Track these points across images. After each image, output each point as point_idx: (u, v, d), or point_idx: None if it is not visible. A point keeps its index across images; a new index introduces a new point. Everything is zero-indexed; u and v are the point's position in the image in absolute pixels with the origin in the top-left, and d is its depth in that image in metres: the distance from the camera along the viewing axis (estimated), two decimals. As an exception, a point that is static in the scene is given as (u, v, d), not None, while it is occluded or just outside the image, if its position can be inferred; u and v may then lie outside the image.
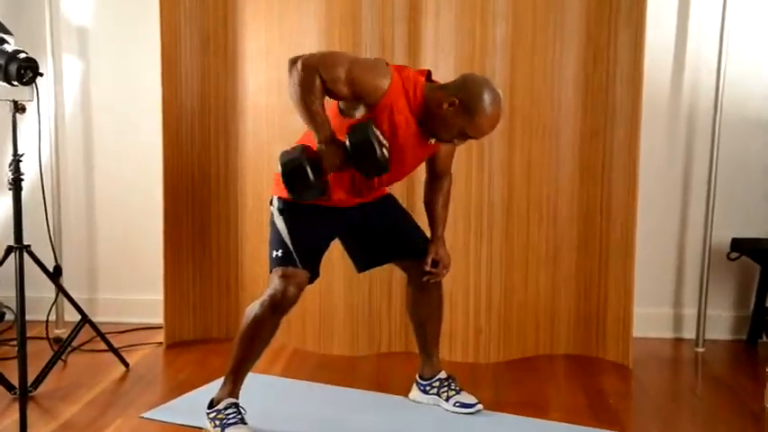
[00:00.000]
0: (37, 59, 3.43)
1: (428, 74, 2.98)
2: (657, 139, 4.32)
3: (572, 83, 3.95)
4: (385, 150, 2.76)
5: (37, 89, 3.47)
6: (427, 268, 3.18)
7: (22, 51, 3.39)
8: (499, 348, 4.02)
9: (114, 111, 4.55)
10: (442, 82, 3.01)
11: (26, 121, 3.79)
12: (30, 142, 3.80)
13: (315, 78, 2.73)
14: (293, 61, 2.77)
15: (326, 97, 2.84)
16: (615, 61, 3.90)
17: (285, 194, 2.96)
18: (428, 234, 3.29)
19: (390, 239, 3.18)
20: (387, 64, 2.86)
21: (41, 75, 3.46)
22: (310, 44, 3.91)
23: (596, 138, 3.99)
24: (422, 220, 3.34)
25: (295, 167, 2.76)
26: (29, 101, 3.48)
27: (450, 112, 2.82)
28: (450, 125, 2.84)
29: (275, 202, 3.06)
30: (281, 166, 2.79)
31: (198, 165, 4.24)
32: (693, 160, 4.35)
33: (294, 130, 3.84)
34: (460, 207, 3.90)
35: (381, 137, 2.77)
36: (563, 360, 4.06)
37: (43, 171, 3.81)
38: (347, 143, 2.76)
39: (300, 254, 2.97)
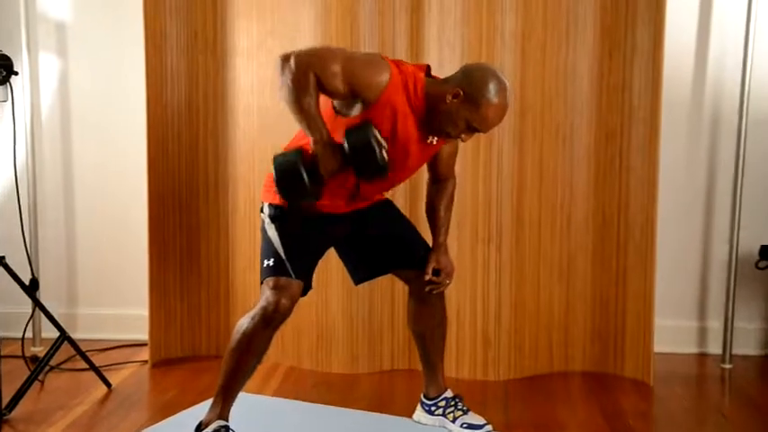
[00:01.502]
0: (11, 57, 3.44)
1: (427, 69, 2.99)
2: (678, 139, 4.31)
3: (586, 79, 3.95)
4: (385, 152, 2.75)
5: (11, 89, 3.48)
6: (428, 278, 3.16)
7: (-4, 48, 3.40)
8: (510, 365, 4.01)
9: (95, 112, 4.56)
10: (443, 77, 3.03)
11: None
12: (4, 146, 3.80)
13: (309, 76, 2.72)
14: (285, 58, 2.75)
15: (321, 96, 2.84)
16: (633, 55, 3.90)
17: (277, 200, 2.98)
18: (429, 241, 3.27)
19: (389, 248, 3.17)
20: (384, 58, 2.86)
21: (16, 73, 3.47)
22: (305, 38, 3.93)
23: (613, 139, 3.99)
24: (423, 227, 3.33)
25: (290, 171, 2.76)
26: (2, 101, 3.49)
27: (455, 104, 2.83)
28: (456, 119, 2.85)
29: (266, 209, 3.07)
30: (275, 169, 2.80)
31: (185, 169, 4.24)
32: (718, 162, 4.35)
33: (288, 132, 3.85)
34: (467, 213, 3.91)
35: (381, 138, 2.77)
36: (579, 377, 4.06)
37: (18, 177, 3.81)
38: (345, 145, 2.76)
39: (293, 263, 2.97)
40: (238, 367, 2.99)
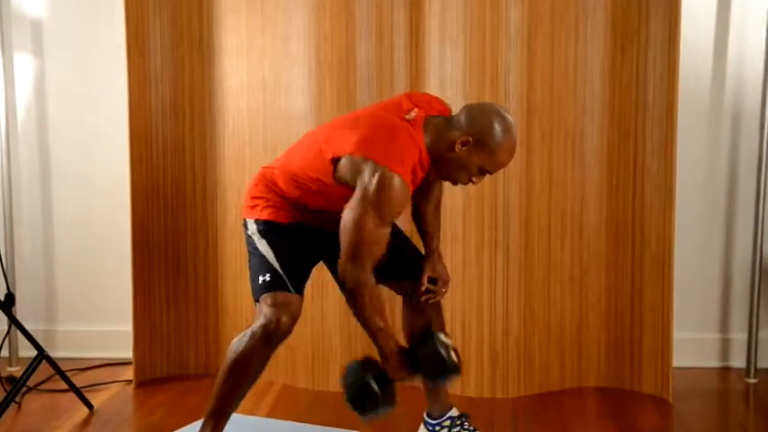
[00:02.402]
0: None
1: (426, 118, 2.98)
2: (697, 140, 4.30)
3: (598, 75, 3.95)
4: (454, 354, 3.00)
5: (-16, 91, 3.47)
6: (425, 287, 3.17)
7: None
8: (519, 381, 4.00)
9: (74, 115, 4.55)
10: (436, 95, 3.13)
11: (-27, 128, 3.78)
12: (-23, 152, 3.80)
13: (374, 286, 2.88)
14: (351, 289, 2.87)
15: (318, 167, 2.95)
16: (647, 50, 3.89)
17: (263, 216, 3.05)
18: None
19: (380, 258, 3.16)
20: (389, 166, 2.80)
21: (-11, 75, 3.46)
22: (298, 36, 3.94)
23: (626, 139, 3.98)
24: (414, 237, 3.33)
25: (362, 390, 2.90)
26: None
27: (465, 152, 2.88)
28: (468, 166, 2.91)
29: (252, 226, 3.09)
30: (346, 390, 2.93)
31: (171, 175, 4.24)
32: (739, 163, 4.34)
33: (279, 135, 3.86)
34: (472, 220, 3.90)
35: (448, 341, 3.03)
36: (593, 394, 4.04)
37: (-7, 185, 3.81)
38: (415, 354, 3.01)
39: (290, 277, 2.98)
40: (233, 389, 3.00)
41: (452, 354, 2.99)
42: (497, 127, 2.86)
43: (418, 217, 3.26)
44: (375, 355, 2.99)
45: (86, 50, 4.49)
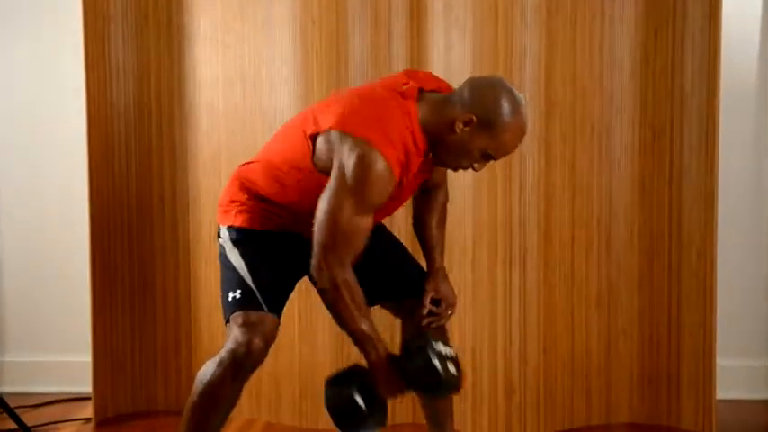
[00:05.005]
0: None
1: (420, 91, 2.95)
2: (742, 137, 4.30)
3: (627, 63, 3.94)
4: (452, 366, 2.85)
5: None
6: (427, 309, 3.14)
7: None
8: (539, 417, 3.98)
9: (22, 116, 4.55)
10: (441, 77, 3.07)
11: None
12: None
13: (355, 284, 2.81)
14: (326, 288, 2.81)
15: (299, 150, 2.90)
16: (684, 33, 3.89)
17: (238, 223, 3.03)
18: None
19: (375, 275, 3.12)
20: (370, 143, 2.77)
21: None
22: (281, 18, 3.93)
23: (661, 137, 3.98)
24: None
25: (344, 403, 2.84)
26: None
27: (467, 132, 2.83)
28: (470, 149, 2.86)
29: (225, 233, 3.08)
30: (328, 407, 2.87)
31: (135, 184, 4.24)
32: (791, 163, 4.35)
33: (264, 133, 3.82)
34: (484, 231, 3.89)
35: (445, 348, 2.88)
36: (624, 431, 4.02)
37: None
38: (406, 367, 2.86)
39: (265, 293, 2.95)
40: (202, 425, 2.98)
41: (449, 365, 2.86)
42: (505, 105, 2.81)
43: (420, 228, 3.25)
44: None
45: (36, 40, 4.49)
